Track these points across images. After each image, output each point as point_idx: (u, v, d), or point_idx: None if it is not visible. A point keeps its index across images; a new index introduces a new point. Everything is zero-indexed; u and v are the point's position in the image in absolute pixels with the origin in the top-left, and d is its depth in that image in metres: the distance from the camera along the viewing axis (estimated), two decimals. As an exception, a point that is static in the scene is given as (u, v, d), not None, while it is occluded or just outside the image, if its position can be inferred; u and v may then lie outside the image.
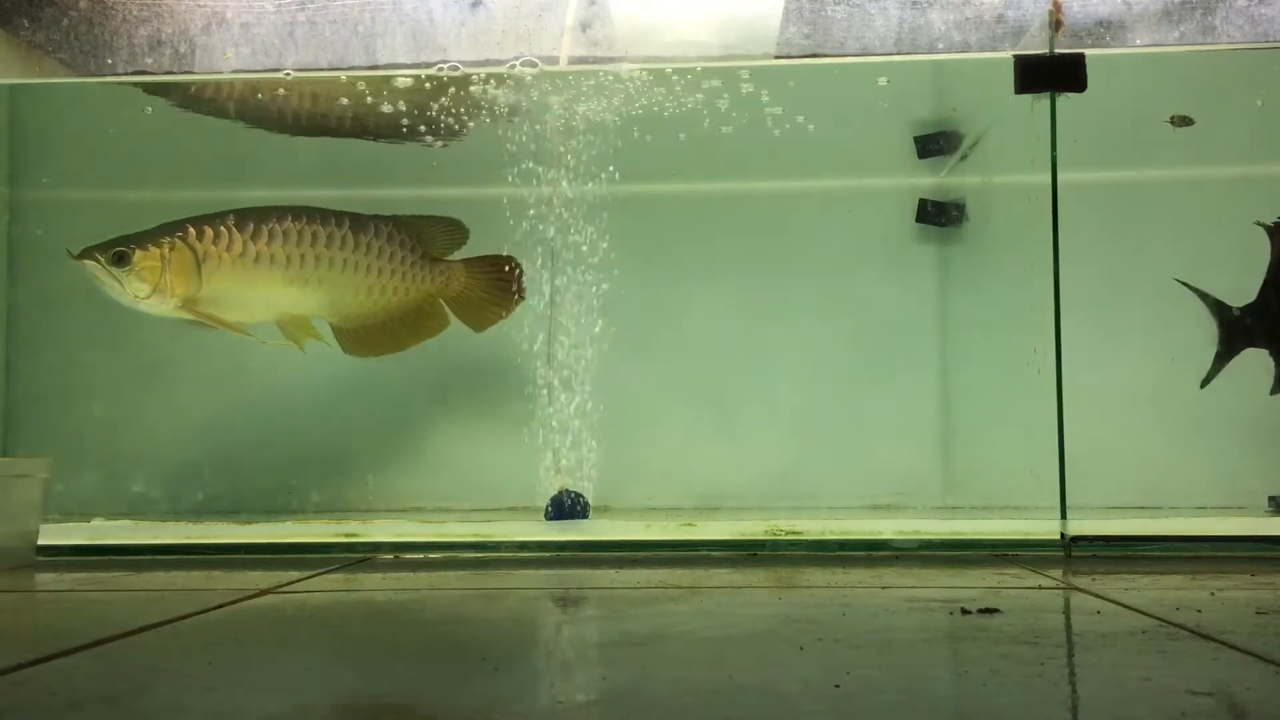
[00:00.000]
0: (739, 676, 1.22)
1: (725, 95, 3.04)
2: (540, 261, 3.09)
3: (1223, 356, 2.71)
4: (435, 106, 3.04)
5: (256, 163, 3.33)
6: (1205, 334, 3.09)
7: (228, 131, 3.21)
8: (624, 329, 3.13)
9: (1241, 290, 3.08)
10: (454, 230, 2.95)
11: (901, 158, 3.30)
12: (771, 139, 3.11)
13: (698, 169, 3.29)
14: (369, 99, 3.05)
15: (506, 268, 2.98)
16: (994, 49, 2.91)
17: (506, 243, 3.04)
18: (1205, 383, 2.68)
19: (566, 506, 2.93)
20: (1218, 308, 2.73)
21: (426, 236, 2.92)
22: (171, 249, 2.71)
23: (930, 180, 3.29)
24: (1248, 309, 2.71)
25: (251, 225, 2.76)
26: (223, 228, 2.75)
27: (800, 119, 3.09)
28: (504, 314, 2.99)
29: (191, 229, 2.74)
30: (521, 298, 2.99)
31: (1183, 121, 2.76)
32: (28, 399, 3.31)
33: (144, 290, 2.70)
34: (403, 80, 2.99)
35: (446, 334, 3.09)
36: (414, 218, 2.93)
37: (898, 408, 3.26)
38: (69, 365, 3.30)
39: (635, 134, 3.10)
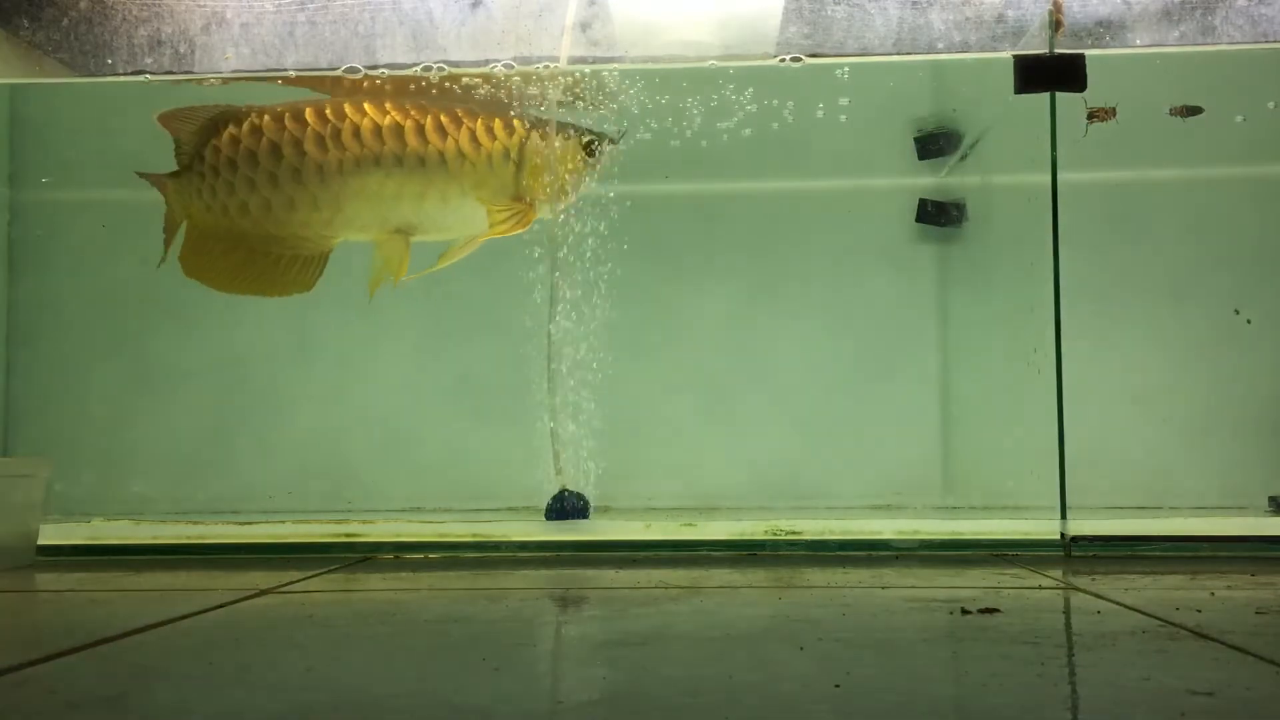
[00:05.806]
0: (739, 676, 1.21)
1: (726, 95, 3.04)
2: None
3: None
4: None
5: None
6: (1207, 334, 3.10)
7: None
8: (624, 328, 3.12)
9: (1243, 289, 3.09)
10: None
11: (901, 158, 3.30)
12: (772, 139, 3.10)
13: (698, 168, 3.29)
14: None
15: None
16: (994, 49, 2.91)
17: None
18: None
19: (567, 506, 2.92)
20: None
21: None
22: None
23: (930, 180, 3.29)
24: None
25: None
26: None
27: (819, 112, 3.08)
28: None
29: None
30: None
31: (1189, 112, 2.71)
32: (28, 399, 3.30)
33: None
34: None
35: (445, 334, 3.07)
36: None
37: (898, 408, 3.26)
38: (69, 365, 3.30)
39: (634, 134, 3.09)
